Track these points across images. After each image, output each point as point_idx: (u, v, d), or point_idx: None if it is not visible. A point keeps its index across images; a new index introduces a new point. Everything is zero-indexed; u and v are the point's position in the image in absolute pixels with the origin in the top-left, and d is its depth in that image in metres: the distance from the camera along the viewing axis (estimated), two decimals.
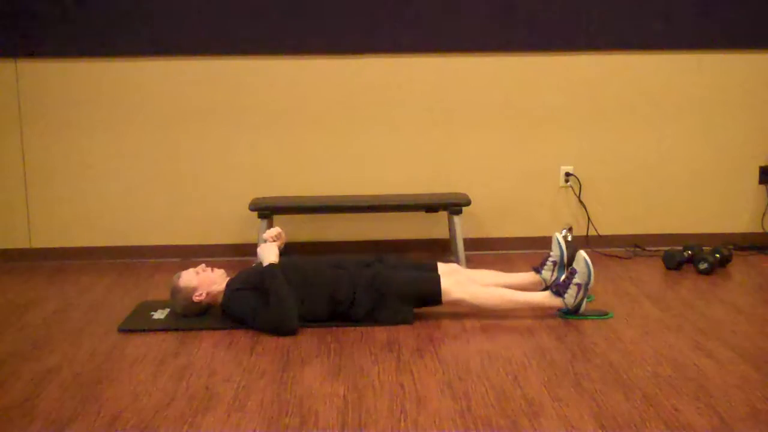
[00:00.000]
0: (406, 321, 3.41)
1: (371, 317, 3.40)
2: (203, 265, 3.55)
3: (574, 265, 3.43)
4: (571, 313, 3.46)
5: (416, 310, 3.48)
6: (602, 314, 3.49)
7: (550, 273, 3.66)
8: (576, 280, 3.40)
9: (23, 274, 4.37)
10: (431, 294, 3.42)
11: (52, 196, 4.58)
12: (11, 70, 4.45)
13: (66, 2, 4.36)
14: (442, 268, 3.62)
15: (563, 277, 3.50)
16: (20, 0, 4.35)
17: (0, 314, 3.66)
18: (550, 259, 3.68)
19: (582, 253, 3.42)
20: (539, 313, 3.50)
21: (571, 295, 3.42)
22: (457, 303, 3.45)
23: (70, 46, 4.42)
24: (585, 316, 3.46)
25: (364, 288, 3.42)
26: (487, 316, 3.48)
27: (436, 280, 3.44)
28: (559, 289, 3.44)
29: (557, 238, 3.70)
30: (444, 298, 3.42)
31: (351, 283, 3.43)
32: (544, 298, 3.47)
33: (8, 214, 4.59)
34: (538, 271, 3.69)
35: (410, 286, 3.44)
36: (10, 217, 4.59)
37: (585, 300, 3.45)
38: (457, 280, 3.49)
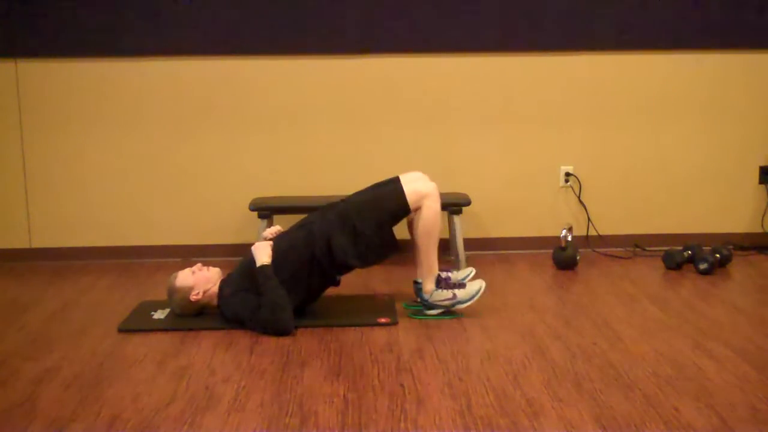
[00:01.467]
0: (391, 244, 3.40)
1: (359, 257, 3.39)
2: (199, 264, 3.55)
3: (469, 283, 3.50)
4: (423, 307, 3.50)
5: (416, 312, 3.48)
6: (452, 314, 3.51)
7: (464, 274, 3.66)
8: (458, 292, 3.46)
9: (23, 274, 4.37)
10: (398, 206, 3.40)
11: (52, 196, 4.58)
12: (11, 70, 4.45)
13: (66, 2, 4.36)
14: (405, 177, 3.54)
15: (459, 279, 3.55)
16: (20, 0, 4.35)
17: (0, 314, 3.66)
18: (473, 273, 3.70)
19: (481, 284, 3.48)
20: (425, 264, 3.49)
21: (441, 295, 3.46)
22: (422, 199, 3.40)
23: (70, 46, 4.42)
24: (426, 316, 3.49)
25: (336, 231, 3.39)
26: (486, 317, 3.48)
27: (399, 189, 3.41)
28: (443, 282, 3.47)
29: (471, 277, 3.68)
30: (412, 204, 3.39)
31: (322, 232, 3.40)
32: (432, 273, 3.48)
33: (8, 214, 4.59)
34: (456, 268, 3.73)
35: (376, 207, 3.41)
36: (10, 217, 4.59)
37: (440, 310, 3.49)
38: (424, 182, 3.47)
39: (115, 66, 4.48)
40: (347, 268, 3.46)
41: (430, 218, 3.43)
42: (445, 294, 3.48)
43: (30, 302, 3.83)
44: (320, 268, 3.42)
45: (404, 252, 3.68)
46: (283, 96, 4.54)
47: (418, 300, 3.57)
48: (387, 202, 3.43)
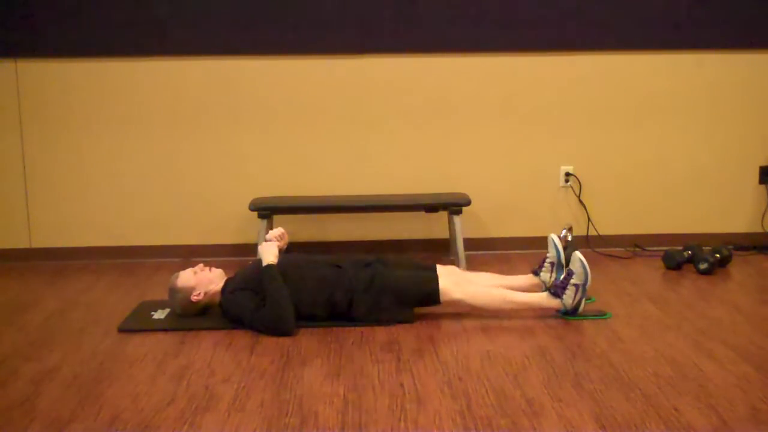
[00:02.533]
0: (407, 320, 3.42)
1: (371, 317, 3.40)
2: (201, 264, 3.55)
3: (571, 266, 3.44)
4: (570, 313, 3.46)
5: (416, 311, 3.48)
6: (601, 314, 3.49)
7: (548, 274, 3.66)
8: (573, 280, 3.41)
9: (23, 274, 4.37)
10: (430, 293, 3.42)
11: (52, 196, 4.58)
12: (11, 70, 4.45)
13: (66, 2, 4.36)
14: (441, 269, 3.62)
15: (561, 277, 3.50)
16: (20, 0, 4.35)
17: (0, 314, 3.66)
18: (547, 260, 3.68)
19: (577, 254, 3.43)
20: (539, 313, 3.50)
21: (569, 296, 3.42)
22: (455, 303, 3.45)
23: (70, 46, 4.42)
24: (584, 316, 3.46)
25: (363, 288, 3.41)
26: (487, 316, 3.48)
27: (435, 279, 3.44)
28: (557, 291, 3.45)
29: (552, 239, 3.70)
30: (443, 297, 3.42)
31: (349, 283, 3.42)
32: (543, 299, 3.48)
33: (8, 214, 4.59)
34: (536, 273, 3.70)
35: (409, 286, 3.44)
36: (10, 217, 4.59)
37: (583, 300, 3.46)
38: (456, 281, 3.49)
39: (115, 66, 4.48)
40: (353, 321, 3.45)
41: (477, 300, 3.46)
42: (570, 292, 3.42)
43: (30, 302, 3.83)
44: (331, 307, 3.43)
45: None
46: (283, 96, 4.54)
47: (565, 315, 3.51)
48: (421, 289, 3.44)
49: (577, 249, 4.27)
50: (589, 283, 3.41)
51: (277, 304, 3.27)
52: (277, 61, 4.50)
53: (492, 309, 3.47)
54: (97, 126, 4.53)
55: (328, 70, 4.52)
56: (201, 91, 4.51)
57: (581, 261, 3.39)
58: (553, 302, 3.45)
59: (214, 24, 4.43)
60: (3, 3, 4.35)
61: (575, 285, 3.41)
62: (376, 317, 3.40)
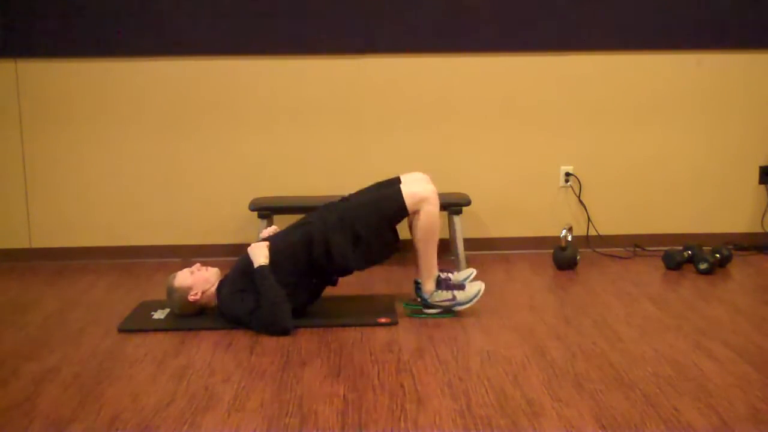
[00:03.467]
0: (395, 247, 3.42)
1: (359, 260, 3.39)
2: (198, 264, 3.56)
3: (468, 284, 3.51)
4: (423, 305, 3.52)
5: (415, 311, 3.49)
6: (447, 313, 3.53)
7: (464, 275, 3.67)
8: (457, 293, 3.47)
9: (23, 274, 4.37)
10: (397, 208, 3.40)
11: (52, 196, 4.58)
12: (11, 70, 4.45)
13: (66, 2, 4.36)
14: (406, 177, 3.57)
15: (460, 280, 3.57)
16: (20, 0, 4.35)
17: (0, 314, 3.66)
18: (473, 274, 3.71)
19: (480, 286, 3.49)
20: (424, 265, 3.50)
21: (441, 296, 3.48)
22: (420, 203, 3.39)
23: (70, 46, 4.42)
24: (425, 315, 3.50)
25: (335, 233, 3.37)
26: (486, 317, 3.48)
27: (398, 191, 3.41)
28: (443, 283, 3.49)
29: (469, 278, 3.69)
30: (410, 207, 3.39)
31: (321, 233, 3.39)
32: (432, 274, 3.49)
33: (8, 214, 4.59)
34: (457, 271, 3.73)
35: (374, 209, 3.41)
36: (10, 217, 4.59)
37: (440, 310, 3.50)
38: (423, 185, 3.47)
39: (115, 66, 4.48)
40: (347, 271, 3.46)
41: (428, 221, 3.43)
42: (445, 295, 3.48)
43: (30, 302, 3.83)
44: (319, 269, 3.42)
45: (405, 252, 3.69)
46: (283, 96, 4.54)
47: (418, 299, 3.57)
48: (385, 204, 3.42)
49: (577, 250, 4.29)
50: (462, 308, 3.49)
51: (272, 304, 3.26)
52: (277, 61, 4.50)
53: (420, 233, 3.43)
54: (97, 126, 4.53)
55: (328, 70, 4.52)
56: (201, 91, 4.51)
57: (478, 292, 3.48)
58: (430, 285, 3.49)
59: (214, 24, 4.42)
60: (3, 3, 4.35)
61: (453, 296, 3.47)
62: (360, 254, 3.38)
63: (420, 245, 3.47)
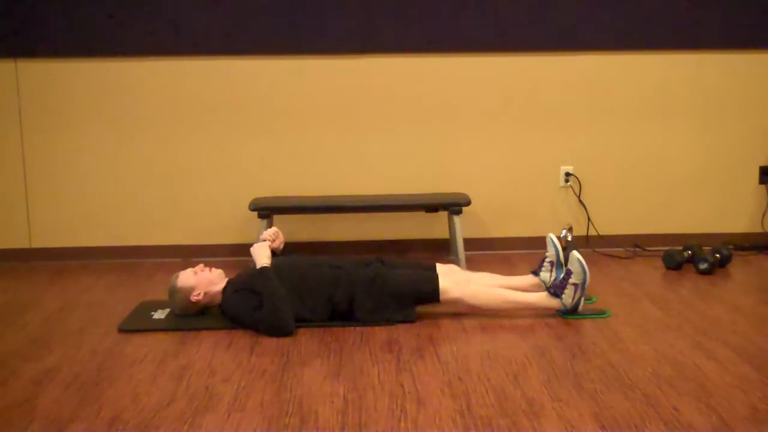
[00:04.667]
0: (409, 319, 3.42)
1: (374, 317, 3.40)
2: (201, 265, 3.55)
3: (569, 265, 3.45)
4: (569, 312, 3.46)
5: (417, 310, 3.49)
6: (600, 313, 3.50)
7: (548, 274, 3.66)
8: (572, 280, 3.42)
9: (23, 274, 4.37)
10: (430, 292, 3.43)
11: (52, 196, 4.58)
12: (11, 70, 4.45)
13: (66, 2, 4.36)
14: (441, 268, 3.62)
15: (561, 277, 3.51)
16: (20, 0, 4.35)
17: (0, 314, 3.66)
18: (547, 260, 3.69)
19: (575, 254, 3.44)
20: (539, 313, 3.50)
21: (568, 296, 3.43)
22: (455, 302, 3.45)
23: (70, 46, 4.42)
24: (583, 315, 3.47)
25: (363, 289, 3.42)
26: (487, 316, 3.48)
27: (435, 278, 3.45)
28: (556, 290, 3.45)
29: (551, 238, 3.70)
30: (442, 296, 3.43)
31: (349, 283, 3.43)
32: (542, 299, 3.48)
33: (8, 214, 4.59)
34: (536, 273, 3.70)
35: (409, 285, 3.44)
36: (10, 217, 4.59)
37: (582, 299, 3.46)
38: (456, 280, 3.50)
39: (115, 66, 4.48)
40: (354, 321, 3.45)
41: (478, 300, 3.47)
42: (569, 292, 3.43)
43: (30, 302, 3.83)
44: (330, 308, 3.43)
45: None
46: (282, 96, 4.54)
47: (565, 315, 3.51)
48: (420, 288, 3.45)
49: (576, 249, 4.29)
50: (587, 281, 3.42)
51: (273, 306, 3.27)
52: (277, 61, 4.50)
53: (491, 308, 3.48)
54: (97, 126, 4.53)
55: (328, 70, 4.52)
56: (201, 91, 4.51)
57: (579, 260, 3.40)
58: (553, 302, 3.46)
59: (215, 24, 4.42)
60: (3, 3, 4.35)
61: (574, 284, 3.41)
62: (379, 317, 3.40)
63: (505, 308, 3.50)
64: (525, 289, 3.62)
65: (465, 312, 3.51)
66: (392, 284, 3.43)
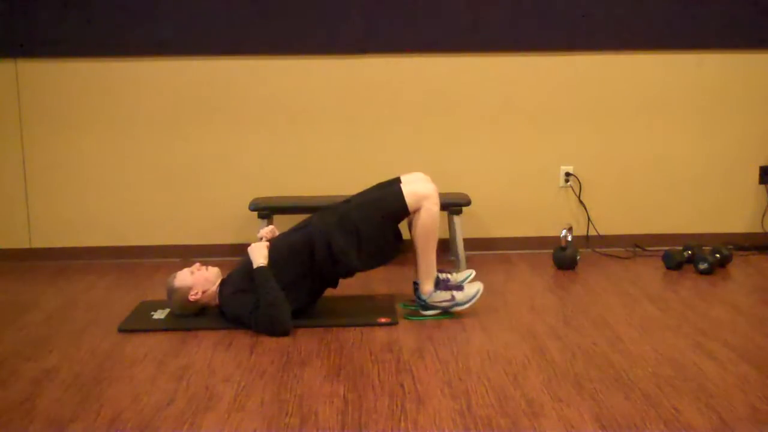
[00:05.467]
0: (398, 246, 3.42)
1: (362, 259, 3.38)
2: (198, 264, 3.55)
3: (466, 285, 3.50)
4: (421, 306, 3.50)
5: (412, 313, 3.48)
6: (445, 314, 3.52)
7: (463, 276, 3.67)
8: (456, 294, 3.46)
9: (23, 274, 4.37)
10: (397, 206, 3.39)
11: (52, 196, 4.58)
12: (11, 70, 4.45)
13: (66, 2, 4.36)
14: (406, 177, 3.57)
15: (459, 281, 3.57)
16: (20, 0, 4.35)
17: (0, 314, 3.66)
18: (473, 275, 3.71)
19: (479, 286, 3.49)
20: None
21: (440, 296, 3.47)
22: (421, 201, 3.39)
23: (70, 46, 4.42)
24: (422, 317, 3.49)
25: (335, 230, 3.37)
26: (486, 317, 3.48)
27: (398, 190, 3.41)
28: (441, 283, 3.49)
29: (471, 278, 3.70)
30: (409, 201, 3.38)
31: (321, 233, 3.39)
32: (430, 275, 3.48)
33: (8, 214, 4.59)
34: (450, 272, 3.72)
35: (375, 208, 3.41)
36: (10, 217, 4.59)
37: (439, 311, 3.49)
38: (424, 184, 3.46)
39: (115, 66, 4.48)
40: (349, 272, 3.45)
41: (428, 220, 3.43)
42: (444, 296, 3.48)
43: (30, 302, 3.83)
44: (321, 271, 3.41)
45: (405, 252, 3.68)
46: (283, 96, 4.54)
47: (416, 301, 3.57)
48: (386, 203, 3.42)
49: (577, 250, 4.29)
50: (461, 309, 3.47)
51: (271, 306, 3.26)
52: (277, 61, 4.50)
53: (419, 232, 3.42)
54: (96, 126, 4.53)
55: (328, 70, 4.52)
56: (201, 91, 4.51)
57: (477, 292, 3.47)
58: (428, 286, 3.48)
59: (214, 24, 4.43)
60: (3, 3, 4.35)
61: (452, 297, 3.46)
62: (363, 254, 3.37)
63: (419, 244, 3.46)
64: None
65: (465, 312, 3.51)
66: (359, 214, 3.39)
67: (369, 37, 4.48)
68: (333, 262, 3.38)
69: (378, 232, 3.39)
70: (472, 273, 3.70)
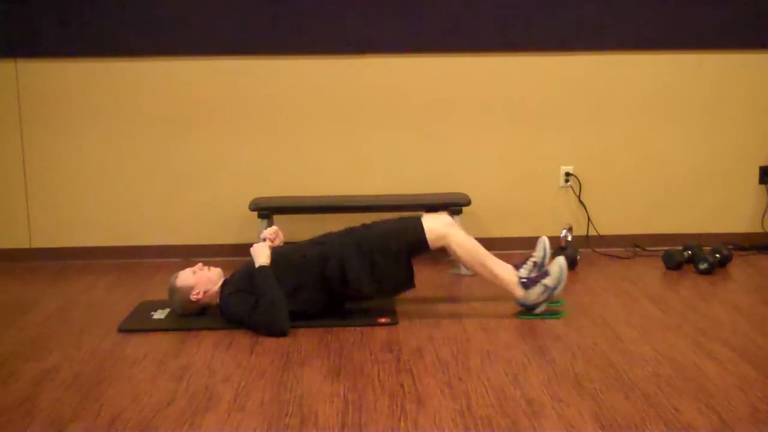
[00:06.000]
0: (409, 282, 3.40)
1: (373, 286, 3.38)
2: (200, 264, 3.56)
3: (549, 266, 3.47)
4: (528, 309, 3.48)
5: (418, 307, 3.48)
6: (554, 313, 3.50)
7: (527, 272, 3.64)
8: (545, 281, 3.44)
9: (23, 274, 4.37)
10: (416, 238, 3.39)
11: (52, 196, 4.58)
12: (11, 70, 4.45)
13: (66, 2, 4.36)
14: (428, 215, 3.57)
15: (538, 273, 3.53)
16: (20, 0, 4.35)
17: (0, 314, 3.66)
18: (531, 259, 3.66)
19: (560, 260, 3.46)
20: (500, 293, 3.52)
21: (534, 293, 3.44)
22: (442, 240, 3.40)
23: (70, 46, 4.42)
24: (535, 315, 3.48)
25: (351, 254, 3.38)
26: (487, 316, 3.48)
27: (419, 223, 3.41)
28: (528, 282, 3.46)
29: (544, 242, 3.67)
30: (429, 236, 3.38)
31: (336, 253, 3.39)
32: (511, 283, 3.47)
33: (8, 214, 4.59)
34: (517, 267, 3.69)
35: (394, 237, 3.41)
36: (10, 217, 4.59)
37: (545, 304, 3.48)
38: (440, 219, 3.47)
39: (115, 66, 4.48)
40: (358, 297, 3.45)
41: (464, 247, 3.44)
42: (537, 290, 3.44)
43: (30, 302, 3.83)
44: (328, 287, 3.41)
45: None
46: (283, 96, 4.54)
47: (520, 315, 3.52)
48: (406, 235, 3.43)
49: (577, 250, 4.29)
50: (558, 290, 3.44)
51: (270, 306, 3.26)
52: (277, 61, 4.50)
53: (466, 257, 3.44)
54: (97, 126, 4.53)
55: (328, 70, 4.52)
56: (201, 91, 4.51)
57: (560, 267, 3.43)
58: (519, 291, 3.46)
59: (214, 24, 4.43)
60: (3, 3, 4.35)
61: (545, 285, 3.43)
62: (375, 282, 3.37)
63: (476, 269, 3.48)
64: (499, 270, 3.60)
65: (465, 312, 3.51)
66: (378, 241, 3.39)
67: (369, 37, 4.48)
68: (343, 282, 3.39)
69: (393, 262, 3.40)
70: (538, 255, 3.64)
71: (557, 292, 3.46)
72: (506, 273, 3.50)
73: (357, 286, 3.38)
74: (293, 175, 4.60)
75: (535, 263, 3.64)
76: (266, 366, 2.96)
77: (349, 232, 3.53)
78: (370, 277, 3.38)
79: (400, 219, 3.57)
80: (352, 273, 3.37)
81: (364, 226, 3.56)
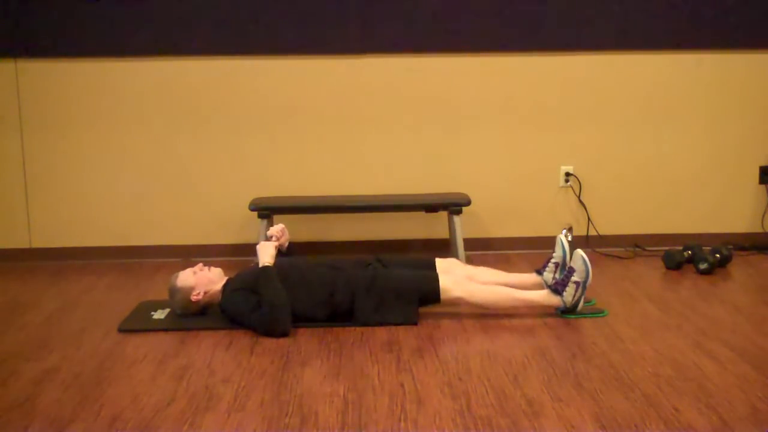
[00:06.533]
0: (411, 321, 3.41)
1: (375, 318, 3.40)
2: (201, 264, 3.55)
3: (572, 263, 3.45)
4: (569, 311, 3.46)
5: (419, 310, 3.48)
6: (598, 312, 3.50)
7: (551, 274, 3.65)
8: (574, 278, 3.42)
9: (23, 274, 4.37)
10: (431, 292, 3.42)
11: (52, 196, 4.58)
12: (11, 70, 4.45)
13: (66, 2, 4.36)
14: (441, 264, 3.62)
15: (563, 275, 3.51)
16: (20, 0, 4.35)
17: (0, 314, 3.66)
18: (552, 260, 3.68)
19: (579, 252, 3.44)
20: (539, 311, 3.50)
21: (569, 294, 3.43)
22: (456, 302, 3.45)
23: (70, 46, 4.42)
24: (582, 314, 3.46)
25: (364, 289, 3.41)
26: (486, 316, 3.48)
27: (435, 278, 3.44)
28: (557, 287, 3.45)
29: (560, 240, 3.69)
30: (443, 296, 3.42)
31: (349, 284, 3.42)
32: (543, 296, 3.48)
33: (8, 214, 4.59)
34: (539, 272, 3.70)
35: (410, 285, 3.44)
36: (10, 217, 4.59)
37: (582, 298, 3.46)
38: (456, 280, 3.49)
39: (115, 66, 4.48)
40: (361, 324, 3.44)
41: (482, 304, 3.46)
42: (570, 290, 3.44)
43: (30, 302, 3.83)
44: (332, 307, 3.42)
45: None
46: (283, 96, 4.54)
47: (564, 314, 3.51)
48: (421, 285, 3.44)
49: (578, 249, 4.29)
50: (589, 281, 3.42)
51: (272, 306, 3.26)
52: (277, 61, 4.50)
53: (492, 306, 3.47)
54: (97, 126, 4.53)
55: (327, 70, 4.52)
56: (201, 91, 4.51)
57: (583, 258, 3.41)
58: (554, 299, 3.46)
59: (214, 24, 4.43)
60: (3, 3, 4.35)
61: (576, 282, 3.42)
62: (380, 317, 3.39)
63: (511, 305, 3.48)
64: (525, 287, 3.61)
65: (465, 312, 3.51)
66: (393, 284, 3.42)
67: (369, 37, 4.48)
68: (349, 310, 3.42)
69: (403, 305, 3.42)
70: (558, 254, 3.65)
71: (589, 283, 3.44)
72: (533, 294, 3.49)
73: (362, 318, 3.40)
74: (293, 175, 4.60)
75: (556, 264, 3.65)
76: (266, 366, 2.96)
77: (367, 265, 3.56)
78: (376, 312, 3.41)
79: (417, 265, 3.60)
80: (358, 307, 3.40)
81: (381, 262, 3.60)
